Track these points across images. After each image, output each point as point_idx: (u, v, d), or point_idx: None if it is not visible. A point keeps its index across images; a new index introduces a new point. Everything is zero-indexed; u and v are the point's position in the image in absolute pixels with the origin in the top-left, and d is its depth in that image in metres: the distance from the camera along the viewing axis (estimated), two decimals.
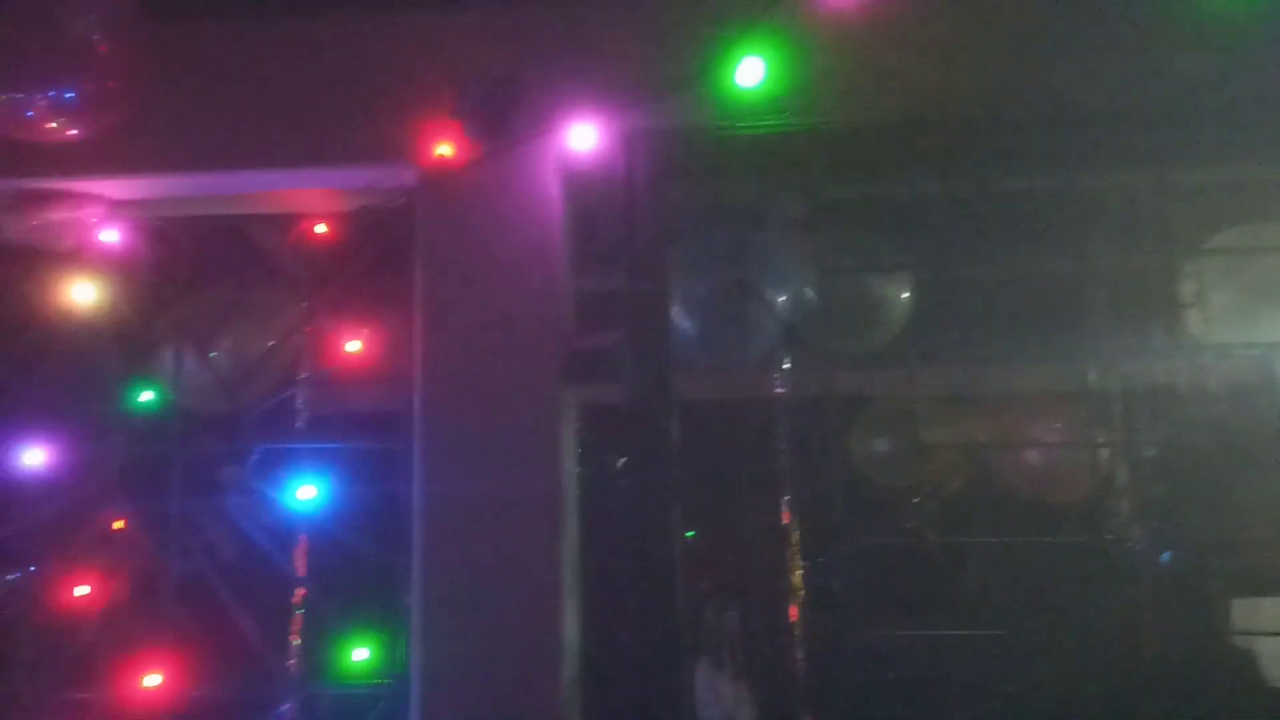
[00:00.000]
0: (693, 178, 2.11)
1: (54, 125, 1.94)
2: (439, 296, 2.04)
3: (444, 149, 2.04)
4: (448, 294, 2.04)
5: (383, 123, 2.07)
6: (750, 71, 2.01)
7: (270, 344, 2.24)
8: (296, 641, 2.18)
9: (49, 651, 2.15)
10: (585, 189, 2.09)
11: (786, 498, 2.45)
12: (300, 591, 2.21)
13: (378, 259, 2.23)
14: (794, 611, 2.39)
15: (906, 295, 2.44)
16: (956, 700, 2.24)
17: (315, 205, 2.23)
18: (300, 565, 2.19)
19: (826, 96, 2.05)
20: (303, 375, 2.26)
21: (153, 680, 2.12)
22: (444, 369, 2.02)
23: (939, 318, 2.37)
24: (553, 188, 2.07)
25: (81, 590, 2.16)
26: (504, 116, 2.04)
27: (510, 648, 1.90)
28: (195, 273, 2.28)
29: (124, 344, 2.24)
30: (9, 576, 2.08)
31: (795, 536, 2.40)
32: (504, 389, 2.00)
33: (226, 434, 2.24)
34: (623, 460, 2.17)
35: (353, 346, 2.20)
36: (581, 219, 2.11)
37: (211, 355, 2.27)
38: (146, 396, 2.26)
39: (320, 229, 2.23)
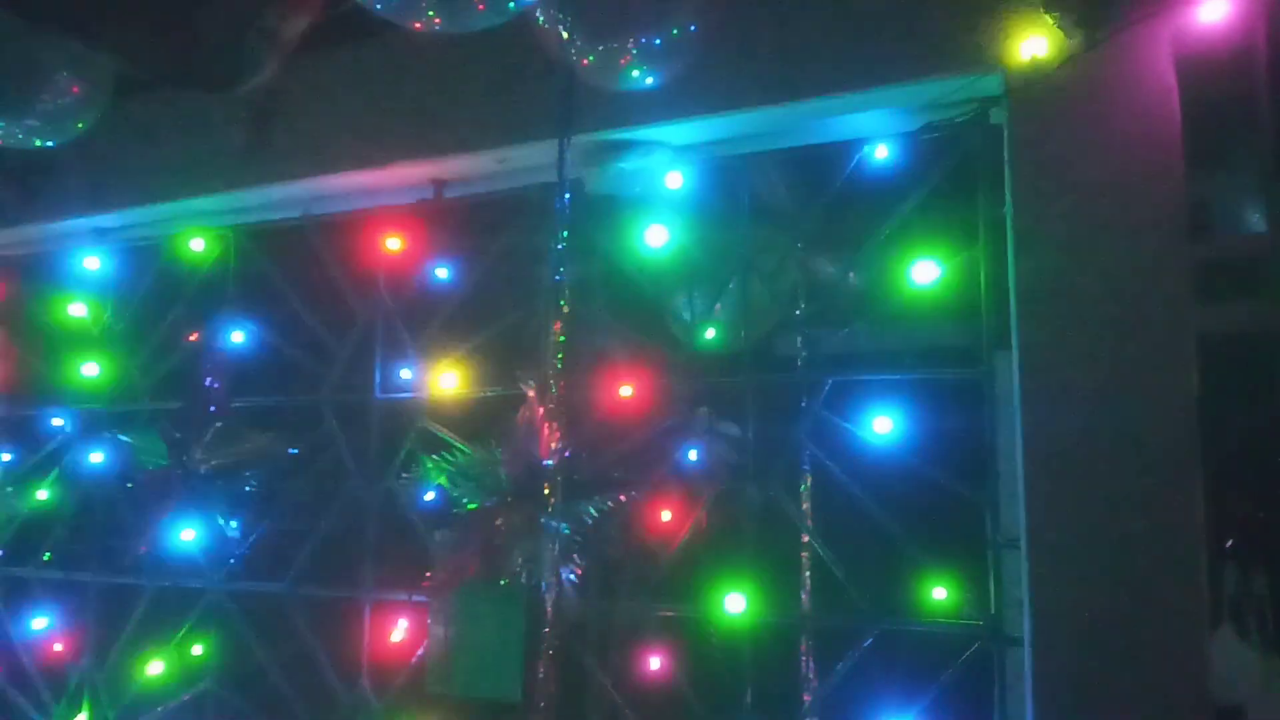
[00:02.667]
0: None
1: (638, 74, 2.01)
2: (1035, 212, 1.86)
3: (1034, 48, 1.84)
4: (1045, 209, 1.84)
5: (960, 29, 1.91)
6: None
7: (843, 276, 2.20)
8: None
9: (644, 571, 2.32)
10: (1209, 73, 1.78)
11: None
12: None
13: (948, 179, 2.09)
14: None
15: None
16: None
17: (880, 127, 2.14)
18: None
19: None
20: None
21: (735, 603, 2.22)
22: (1043, 291, 1.84)
23: None
24: (1167, 76, 1.78)
25: (667, 515, 2.31)
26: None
27: (1140, 600, 1.71)
28: (758, 207, 2.29)
29: (692, 283, 2.32)
30: (611, 502, 2.27)
31: None
32: (1115, 311, 1.78)
33: (790, 368, 2.26)
34: None
35: (924, 273, 2.09)
36: (1204, 109, 1.80)
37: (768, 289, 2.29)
38: (710, 334, 2.34)
39: (883, 152, 2.14)
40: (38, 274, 3.22)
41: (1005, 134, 1.92)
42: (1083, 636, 1.75)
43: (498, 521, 2.31)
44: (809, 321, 2.28)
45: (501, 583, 2.27)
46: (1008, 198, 1.90)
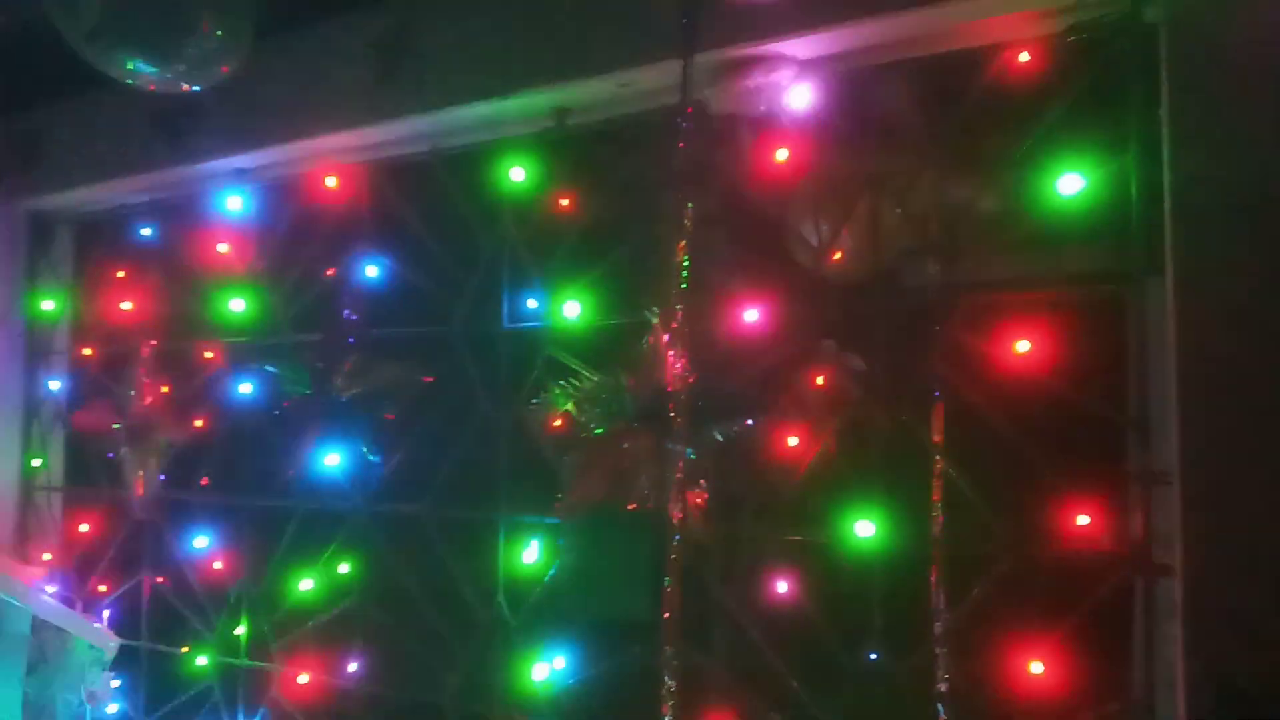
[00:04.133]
0: None
1: None
2: (1194, 119, 1.72)
3: None
4: (1205, 115, 1.71)
5: None
6: None
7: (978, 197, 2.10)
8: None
9: (769, 496, 2.32)
10: None
11: None
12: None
13: (1095, 87, 1.96)
14: None
15: None
16: None
17: (1020, 31, 2.02)
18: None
19: None
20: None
21: (865, 528, 2.20)
22: (1201, 206, 1.72)
23: None
24: None
25: (792, 440, 2.29)
26: None
27: None
28: (887, 124, 2.21)
29: (818, 206, 2.27)
30: (735, 427, 2.27)
31: None
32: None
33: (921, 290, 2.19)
34: None
35: (1068, 191, 1.98)
36: None
37: (897, 211, 2.21)
38: (837, 256, 2.29)
39: (1024, 59, 2.03)
40: (185, 215, 3.39)
41: (1161, 32, 1.78)
42: (1240, 569, 1.66)
43: (624, 446, 2.34)
44: (941, 246, 2.19)
45: (629, 506, 2.31)
46: (1163, 104, 1.77)
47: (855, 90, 2.23)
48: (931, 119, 2.17)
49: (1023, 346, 2.06)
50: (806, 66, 2.23)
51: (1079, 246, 2.10)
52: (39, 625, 3.19)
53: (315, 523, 3.02)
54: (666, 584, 2.12)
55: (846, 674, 2.22)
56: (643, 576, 2.29)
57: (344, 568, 2.97)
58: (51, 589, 3.37)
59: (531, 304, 2.66)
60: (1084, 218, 2.03)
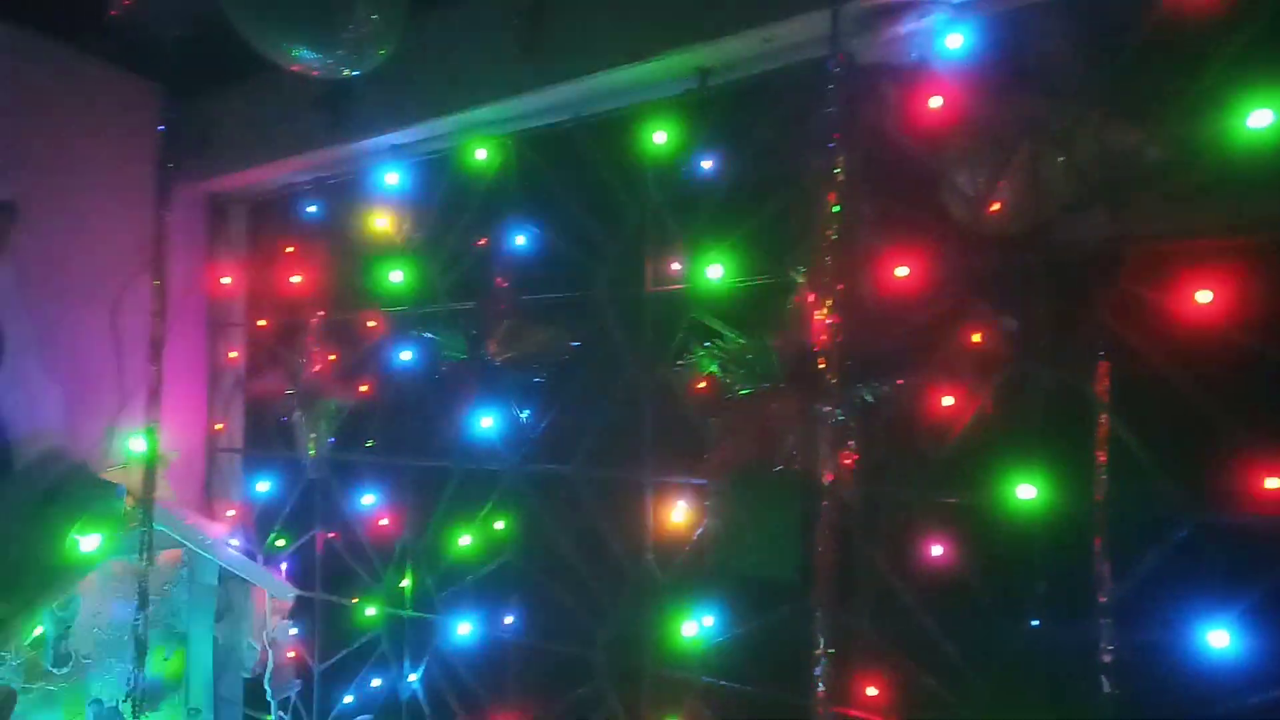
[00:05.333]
0: None
1: None
2: None
3: None
4: None
5: None
6: None
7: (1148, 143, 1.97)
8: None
9: (922, 458, 2.26)
10: None
11: None
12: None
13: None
14: None
15: None
16: None
17: None
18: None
19: None
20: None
21: (1026, 491, 2.12)
22: None
23: None
24: None
25: (947, 400, 2.22)
26: None
27: None
28: (1047, 66, 2.09)
29: (978, 154, 2.17)
30: (886, 387, 2.22)
31: None
32: None
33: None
34: None
35: (1255, 124, 1.83)
36: None
37: (1060, 161, 2.10)
38: (995, 207, 2.19)
39: None
40: (347, 191, 3.56)
41: None
42: None
43: (771, 407, 2.33)
44: (1108, 195, 2.06)
45: (776, 467, 2.30)
46: None
47: (1013, 32, 2.12)
48: (1095, 59, 2.04)
49: (1202, 298, 1.93)
50: (961, 9, 2.13)
51: (1264, 190, 1.94)
52: (225, 576, 3.45)
53: (472, 482, 3.15)
54: (817, 546, 2.10)
55: (1005, 642, 2.16)
56: (791, 538, 2.29)
57: (499, 525, 3.08)
58: (235, 543, 3.63)
59: (675, 266, 2.67)
60: (1270, 159, 1.87)
